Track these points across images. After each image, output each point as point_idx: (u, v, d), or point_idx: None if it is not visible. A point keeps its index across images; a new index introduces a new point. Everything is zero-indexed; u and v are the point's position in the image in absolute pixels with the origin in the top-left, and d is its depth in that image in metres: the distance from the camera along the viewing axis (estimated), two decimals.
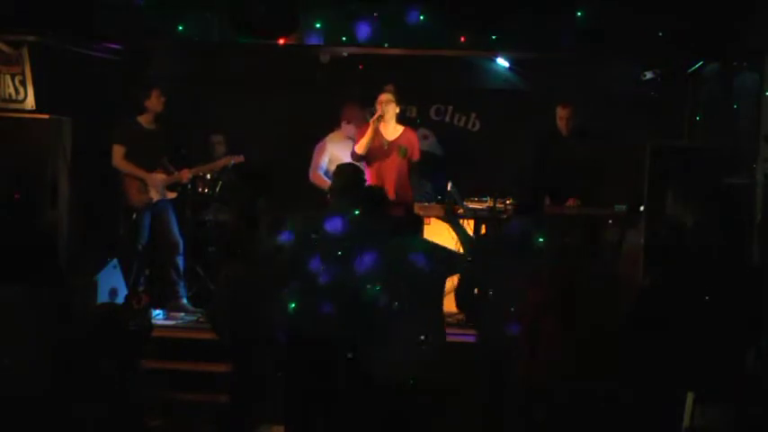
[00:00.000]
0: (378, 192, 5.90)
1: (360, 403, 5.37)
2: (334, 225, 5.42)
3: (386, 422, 5.33)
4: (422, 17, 7.59)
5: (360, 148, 7.45)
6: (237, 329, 5.70)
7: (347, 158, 7.58)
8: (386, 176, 7.47)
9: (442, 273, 5.52)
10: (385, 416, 5.32)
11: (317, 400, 5.45)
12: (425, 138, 9.18)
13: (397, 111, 7.59)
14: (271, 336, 5.64)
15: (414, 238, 5.61)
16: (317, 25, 7.75)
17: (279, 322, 5.47)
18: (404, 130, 7.63)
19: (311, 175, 8.25)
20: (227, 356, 5.95)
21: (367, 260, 5.28)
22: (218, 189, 8.63)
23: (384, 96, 7.49)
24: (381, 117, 7.43)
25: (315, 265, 5.31)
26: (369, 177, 7.31)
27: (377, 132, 7.48)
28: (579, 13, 7.38)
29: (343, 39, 7.82)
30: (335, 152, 8.14)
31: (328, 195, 6.04)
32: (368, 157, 7.50)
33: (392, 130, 7.58)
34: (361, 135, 7.50)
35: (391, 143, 7.54)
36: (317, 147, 8.32)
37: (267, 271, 5.54)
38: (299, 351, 5.40)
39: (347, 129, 8.12)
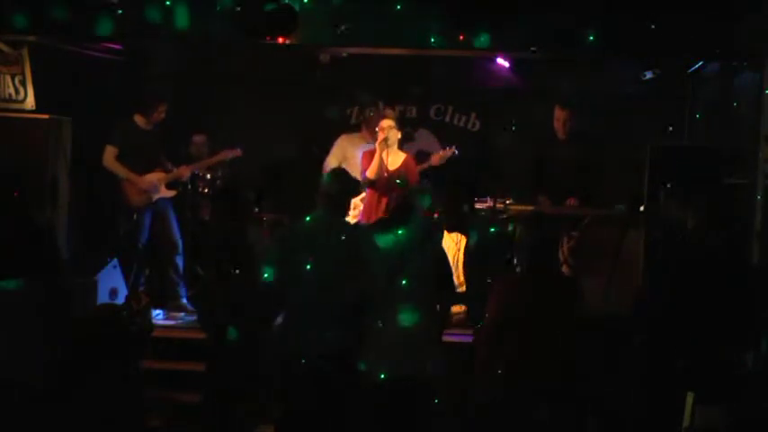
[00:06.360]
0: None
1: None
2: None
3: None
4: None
5: (370, 173, 7.59)
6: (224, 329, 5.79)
7: (359, 156, 7.76)
8: (384, 198, 7.57)
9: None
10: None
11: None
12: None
13: (399, 136, 7.66)
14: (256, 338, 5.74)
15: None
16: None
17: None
18: (405, 158, 7.73)
19: (324, 166, 8.28)
20: (209, 355, 6.04)
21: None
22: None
23: (385, 123, 7.60)
24: (386, 141, 7.51)
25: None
26: (368, 196, 7.65)
27: (381, 159, 7.56)
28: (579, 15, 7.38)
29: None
30: (350, 150, 8.21)
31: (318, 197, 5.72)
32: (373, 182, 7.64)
33: (394, 158, 7.65)
34: (368, 160, 7.63)
35: (392, 173, 7.59)
36: (335, 143, 8.39)
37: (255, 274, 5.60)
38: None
39: (366, 134, 8.21)
